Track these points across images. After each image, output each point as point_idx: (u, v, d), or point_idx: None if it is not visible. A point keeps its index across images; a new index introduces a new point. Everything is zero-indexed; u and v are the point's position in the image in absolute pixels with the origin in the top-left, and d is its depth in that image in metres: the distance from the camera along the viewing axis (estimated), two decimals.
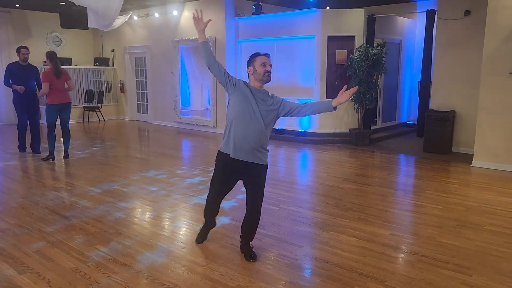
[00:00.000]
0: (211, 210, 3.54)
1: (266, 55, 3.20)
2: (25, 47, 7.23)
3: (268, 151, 3.25)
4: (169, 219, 4.25)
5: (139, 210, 4.53)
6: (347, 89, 3.06)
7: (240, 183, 3.33)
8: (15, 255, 3.36)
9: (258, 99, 3.15)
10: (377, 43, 8.07)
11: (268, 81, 3.18)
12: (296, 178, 6.13)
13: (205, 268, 3.17)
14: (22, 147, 7.38)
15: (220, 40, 9.50)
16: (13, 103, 7.23)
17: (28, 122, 7.25)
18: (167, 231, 3.93)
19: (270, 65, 3.17)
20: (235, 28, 9.55)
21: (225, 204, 4.63)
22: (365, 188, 5.36)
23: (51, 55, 6.58)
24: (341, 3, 9.50)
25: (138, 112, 12.29)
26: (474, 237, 3.75)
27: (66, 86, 6.68)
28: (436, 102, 7.60)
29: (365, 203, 4.74)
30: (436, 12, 7.55)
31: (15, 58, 9.43)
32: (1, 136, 9.57)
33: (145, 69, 11.63)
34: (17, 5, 10.57)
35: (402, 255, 3.41)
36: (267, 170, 3.28)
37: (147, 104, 11.88)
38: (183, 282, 2.96)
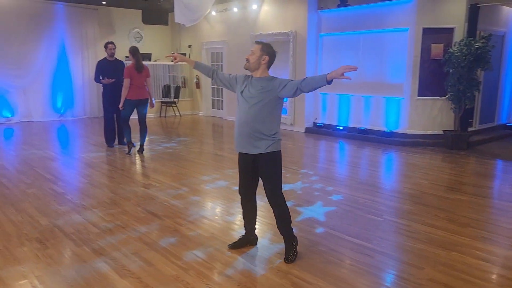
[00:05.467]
0: (243, 212, 3.40)
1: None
2: (112, 43, 7.35)
3: (275, 138, 3.09)
4: (267, 225, 3.96)
5: (232, 213, 4.28)
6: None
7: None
8: (114, 256, 3.24)
9: (249, 86, 3.09)
10: (482, 36, 7.22)
11: (246, 68, 3.14)
12: (392, 184, 5.59)
13: (313, 286, 2.82)
14: (109, 141, 7.53)
15: (301, 35, 9.11)
16: (102, 97, 7.40)
17: (115, 116, 7.37)
18: (265, 238, 3.64)
19: (251, 52, 3.11)
20: (317, 21, 9.11)
21: (316, 212, 4.27)
22: (478, 200, 4.71)
23: (133, 50, 6.64)
24: None
25: (212, 108, 12.27)
26: None
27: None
28: None
29: (483, 218, 4.13)
30: None
31: (100, 54, 9.70)
32: (87, 129, 9.95)
33: (221, 64, 11.56)
34: (104, 2, 10.95)
35: None
36: (275, 157, 3.11)
37: (222, 100, 11.81)
38: None
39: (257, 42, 3.16)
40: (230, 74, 3.35)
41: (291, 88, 2.99)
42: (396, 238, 3.64)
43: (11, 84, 10.50)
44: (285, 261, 3.15)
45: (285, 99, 3.18)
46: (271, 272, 3.02)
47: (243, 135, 3.10)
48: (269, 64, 3.14)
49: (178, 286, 2.82)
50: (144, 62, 6.81)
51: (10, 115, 10.64)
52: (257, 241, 3.47)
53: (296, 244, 3.24)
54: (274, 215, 3.23)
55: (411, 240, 3.60)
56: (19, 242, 3.48)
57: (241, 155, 3.21)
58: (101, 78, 7.15)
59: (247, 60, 3.12)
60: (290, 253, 3.18)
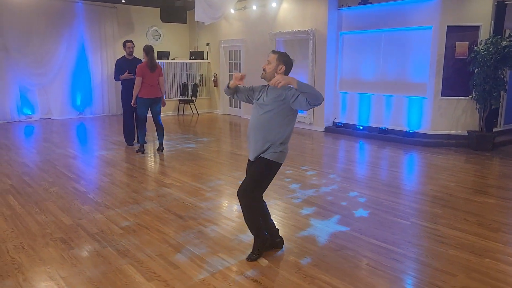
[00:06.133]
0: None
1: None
2: (130, 41, 7.35)
3: (279, 149, 3.09)
4: (290, 227, 3.89)
5: None
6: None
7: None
8: (139, 258, 3.22)
9: (265, 94, 3.12)
10: (509, 34, 7.02)
11: (263, 78, 3.14)
12: (417, 185, 5.46)
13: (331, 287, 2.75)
14: (128, 140, 7.54)
15: (321, 32, 8.99)
16: (121, 95, 7.42)
17: (134, 115, 7.37)
18: (291, 241, 3.57)
19: (268, 62, 3.11)
20: (337, 19, 8.98)
21: (340, 215, 4.18)
22: (506, 203, 4.57)
23: (147, 49, 6.65)
24: None
25: (230, 106, 12.24)
26: None
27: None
28: None
29: None
30: None
31: (119, 52, 9.74)
32: (106, 126, 10.01)
33: (239, 63, 11.51)
34: (123, 1, 10.99)
35: None
36: (270, 165, 3.10)
37: None
38: None
39: (273, 52, 3.16)
40: (246, 86, 3.34)
41: (302, 100, 2.93)
42: (425, 243, 3.54)
43: (32, 82, 10.64)
44: (246, 259, 3.19)
45: None
46: (298, 276, 2.96)
47: (253, 142, 3.12)
48: (285, 74, 3.14)
49: None
50: (162, 60, 6.80)
51: (30, 113, 10.78)
52: (283, 244, 3.41)
53: (262, 244, 3.21)
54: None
55: (441, 245, 3.49)
56: (44, 242, 3.49)
57: (249, 161, 3.27)
58: (120, 75, 7.17)
59: (264, 69, 3.13)
60: (253, 252, 3.21)
